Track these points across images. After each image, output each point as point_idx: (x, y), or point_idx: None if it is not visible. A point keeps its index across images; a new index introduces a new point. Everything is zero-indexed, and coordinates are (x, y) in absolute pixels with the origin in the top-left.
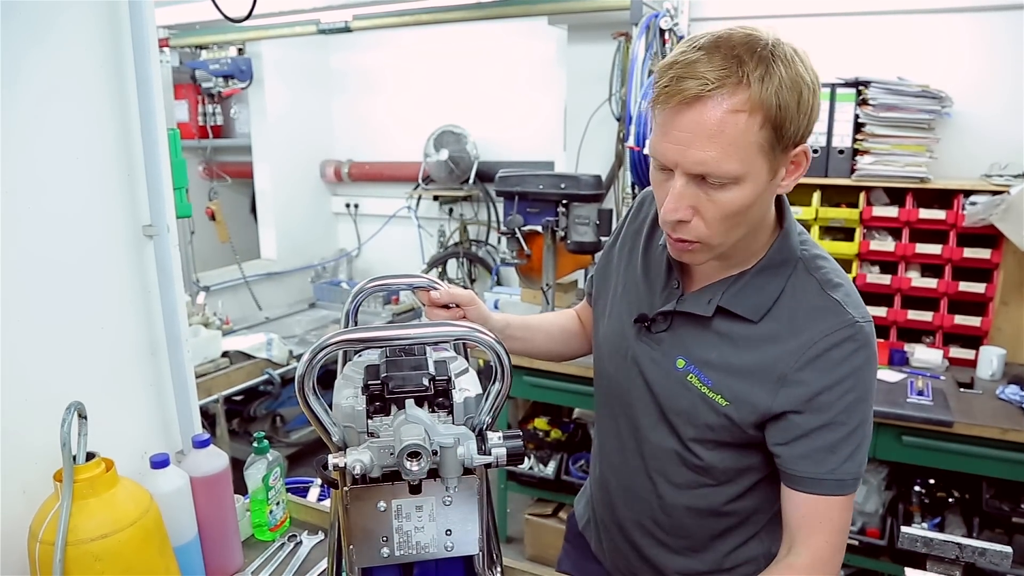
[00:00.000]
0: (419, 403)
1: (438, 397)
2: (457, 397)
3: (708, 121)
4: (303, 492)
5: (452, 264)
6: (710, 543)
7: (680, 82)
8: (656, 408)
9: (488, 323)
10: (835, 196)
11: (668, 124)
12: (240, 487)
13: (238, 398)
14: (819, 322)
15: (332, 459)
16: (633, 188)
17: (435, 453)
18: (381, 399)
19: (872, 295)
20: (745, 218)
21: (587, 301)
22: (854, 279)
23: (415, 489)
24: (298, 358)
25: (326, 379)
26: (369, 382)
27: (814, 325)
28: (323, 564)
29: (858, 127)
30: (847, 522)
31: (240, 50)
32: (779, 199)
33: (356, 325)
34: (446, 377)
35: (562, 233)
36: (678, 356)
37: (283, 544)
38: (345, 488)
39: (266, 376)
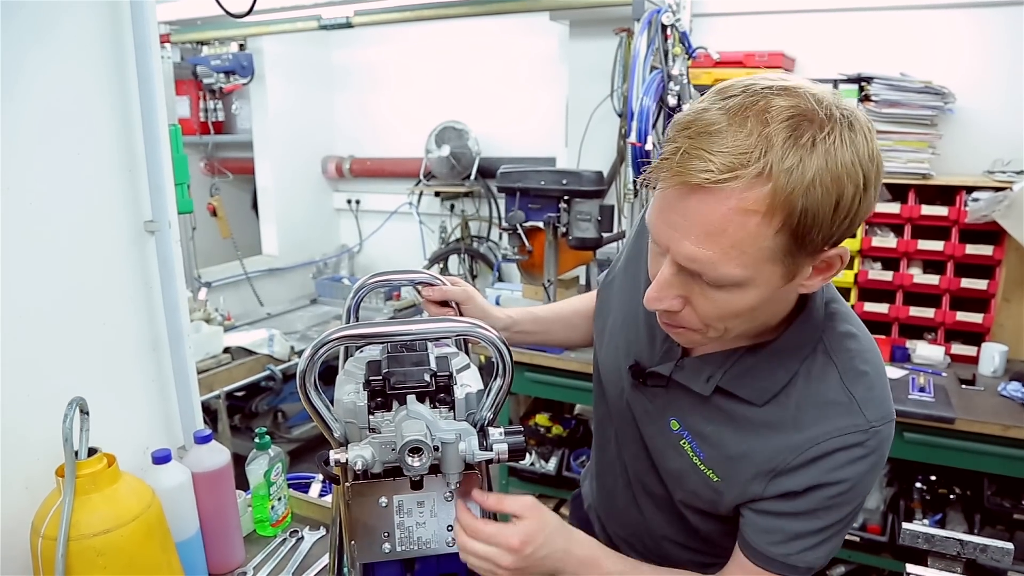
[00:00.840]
0: (420, 399)
1: (439, 393)
2: (459, 393)
3: (710, 215)
4: (305, 488)
5: (454, 260)
6: (694, 569)
7: (686, 160)
8: (647, 459)
9: (489, 318)
10: None
11: (664, 201)
12: (242, 483)
13: (240, 394)
14: (830, 420)
15: (334, 455)
16: (635, 184)
17: (436, 449)
18: (383, 395)
19: (874, 291)
20: (751, 318)
21: None
22: (856, 275)
23: (416, 485)
24: (299, 354)
25: (328, 375)
26: (371, 378)
27: (824, 422)
28: (325, 560)
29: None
30: None
31: (241, 46)
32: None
33: (358, 321)
34: (447, 373)
35: (564, 229)
36: (672, 417)
37: (284, 540)
38: (347, 484)
39: (268, 372)
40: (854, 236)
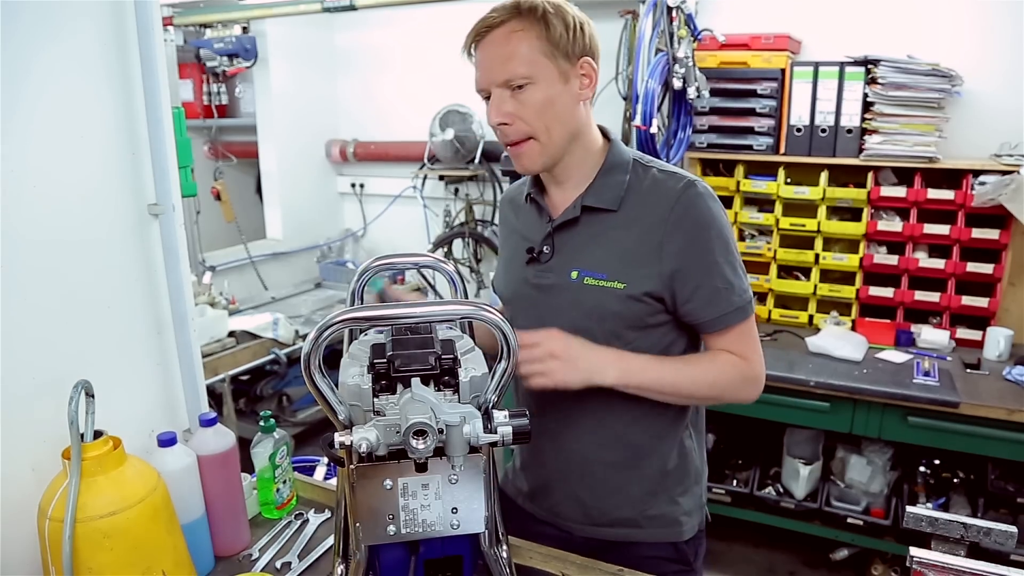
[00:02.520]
0: (425, 382)
1: (444, 376)
2: (463, 376)
3: (499, 41)
4: (310, 471)
5: (458, 244)
6: (651, 443)
7: (479, 24)
8: (568, 325)
9: None
10: (843, 176)
11: (478, 59)
12: (247, 466)
13: (244, 378)
14: (666, 190)
15: (338, 437)
16: None
17: (441, 431)
18: (387, 377)
19: (879, 275)
20: (555, 113)
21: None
22: (861, 259)
23: (421, 467)
24: (304, 338)
25: (332, 359)
26: (375, 360)
27: (663, 194)
28: (329, 541)
29: (867, 106)
30: (757, 336)
31: (244, 29)
32: (603, 131)
33: (362, 304)
34: (452, 356)
35: None
36: (570, 270)
37: (290, 522)
38: (351, 466)
39: (272, 356)
40: (593, 57)
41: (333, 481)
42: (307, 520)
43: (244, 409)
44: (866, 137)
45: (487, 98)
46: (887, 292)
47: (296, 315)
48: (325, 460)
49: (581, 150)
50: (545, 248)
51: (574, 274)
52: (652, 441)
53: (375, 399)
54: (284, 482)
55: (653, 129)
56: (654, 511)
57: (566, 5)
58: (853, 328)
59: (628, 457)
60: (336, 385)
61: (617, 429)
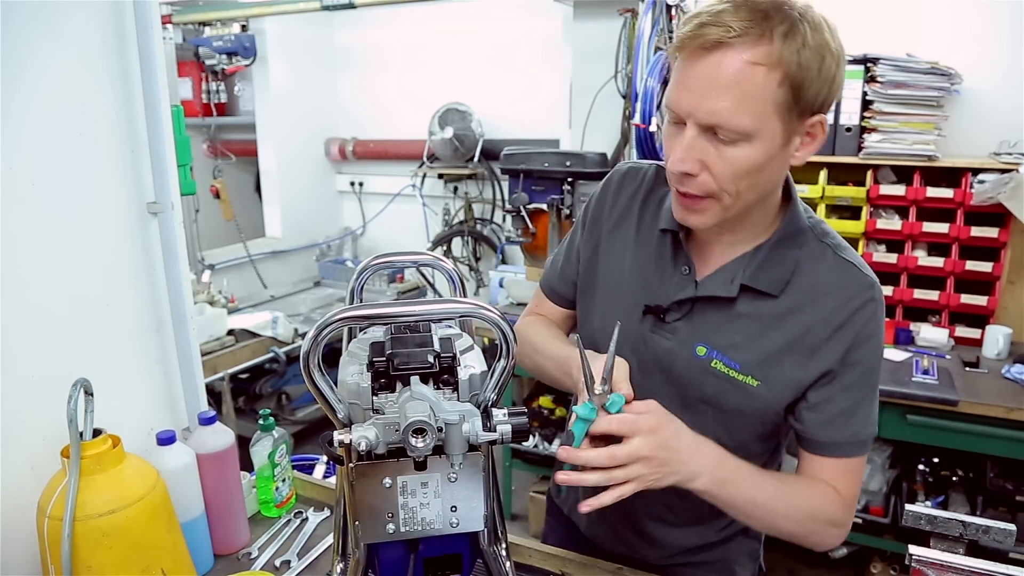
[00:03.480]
0: (424, 380)
1: (443, 374)
2: (462, 374)
3: (726, 70)
4: (309, 469)
5: (457, 243)
6: (717, 513)
7: (703, 28)
8: (678, 398)
9: None
10: (842, 174)
11: (686, 72)
12: (246, 464)
13: (244, 376)
14: (843, 288)
15: (337, 435)
16: None
17: (440, 430)
18: (386, 376)
19: (878, 274)
20: (756, 181)
21: (550, 299)
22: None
23: (420, 466)
24: (303, 336)
25: (331, 357)
26: (374, 359)
27: (838, 291)
28: (329, 540)
29: (866, 104)
30: (863, 473)
31: (243, 27)
32: (786, 185)
33: (361, 303)
34: (451, 354)
35: (567, 211)
36: (697, 344)
37: (289, 520)
38: (350, 464)
39: (272, 354)
40: (829, 109)
41: (332, 479)
42: (306, 518)
43: (243, 407)
44: (865, 135)
45: (675, 122)
46: (886, 290)
47: (295, 313)
48: (324, 458)
49: (760, 211)
50: (676, 311)
51: (701, 350)
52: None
53: (374, 397)
54: (283, 480)
55: (652, 127)
56: (707, 557)
57: (828, 33)
58: None
59: (691, 518)
60: (335, 383)
61: (691, 498)
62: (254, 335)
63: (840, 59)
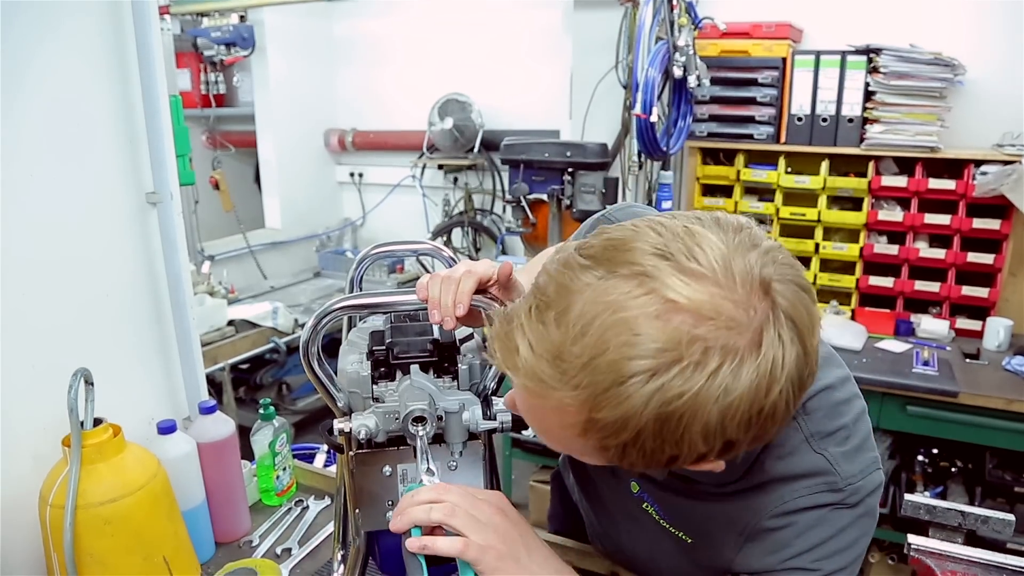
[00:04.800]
0: (424, 368)
1: (443, 363)
2: (462, 363)
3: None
4: (309, 458)
5: (457, 233)
6: None
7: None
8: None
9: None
10: (843, 165)
11: None
12: (247, 453)
13: (244, 366)
14: (798, 481)
15: (338, 424)
16: (639, 156)
17: (440, 418)
18: (386, 364)
19: (879, 265)
20: None
21: None
22: (861, 249)
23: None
24: (303, 326)
25: (331, 347)
26: (374, 348)
27: (792, 483)
28: (329, 528)
29: (868, 95)
30: None
31: (242, 17)
32: None
33: (361, 292)
34: (451, 342)
35: (568, 201)
36: (632, 479)
37: (290, 509)
38: (351, 453)
39: (272, 344)
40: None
41: (333, 468)
42: (307, 507)
43: (244, 397)
44: (867, 126)
45: None
46: (887, 282)
47: (295, 304)
48: (325, 447)
49: None
50: None
51: (635, 487)
52: None
53: (374, 386)
54: (284, 469)
55: (653, 118)
56: None
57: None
58: (853, 317)
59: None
60: (335, 373)
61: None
62: (254, 325)
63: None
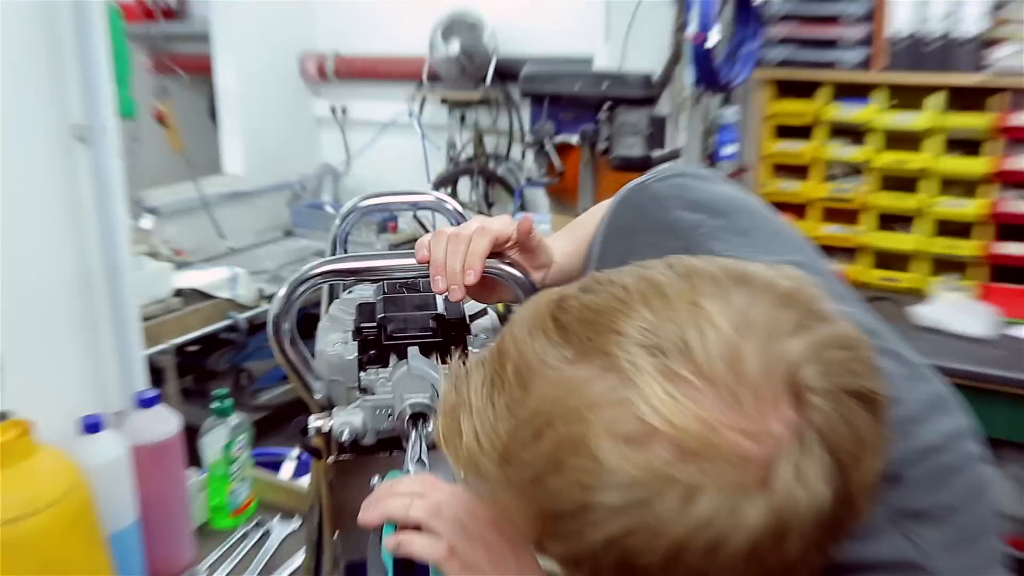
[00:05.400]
0: (425, 352)
1: (449, 344)
2: (473, 345)
3: None
4: (275, 467)
5: (464, 184)
6: None
7: None
8: None
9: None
10: (961, 99)
11: None
12: (195, 460)
13: (193, 348)
14: (874, 572)
15: (314, 422)
16: (694, 89)
17: None
18: (377, 346)
19: (1013, 228)
20: None
21: None
22: (988, 207)
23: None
24: (270, 299)
25: (307, 325)
26: (362, 325)
27: (865, 573)
28: (298, 558)
29: (998, 5)
30: None
31: None
32: None
33: (346, 254)
34: (460, 318)
35: (604, 145)
36: None
37: (247, 533)
38: (330, 459)
39: (229, 320)
40: None
41: (305, 480)
42: (269, 531)
43: (192, 388)
44: (991, 48)
45: None
46: (1020, 248)
47: (260, 270)
48: (296, 452)
49: None
50: None
51: None
52: None
53: (361, 373)
54: (241, 481)
55: (712, 41)
56: None
57: None
58: (978, 296)
59: None
60: (312, 356)
61: None
62: (207, 297)
63: None
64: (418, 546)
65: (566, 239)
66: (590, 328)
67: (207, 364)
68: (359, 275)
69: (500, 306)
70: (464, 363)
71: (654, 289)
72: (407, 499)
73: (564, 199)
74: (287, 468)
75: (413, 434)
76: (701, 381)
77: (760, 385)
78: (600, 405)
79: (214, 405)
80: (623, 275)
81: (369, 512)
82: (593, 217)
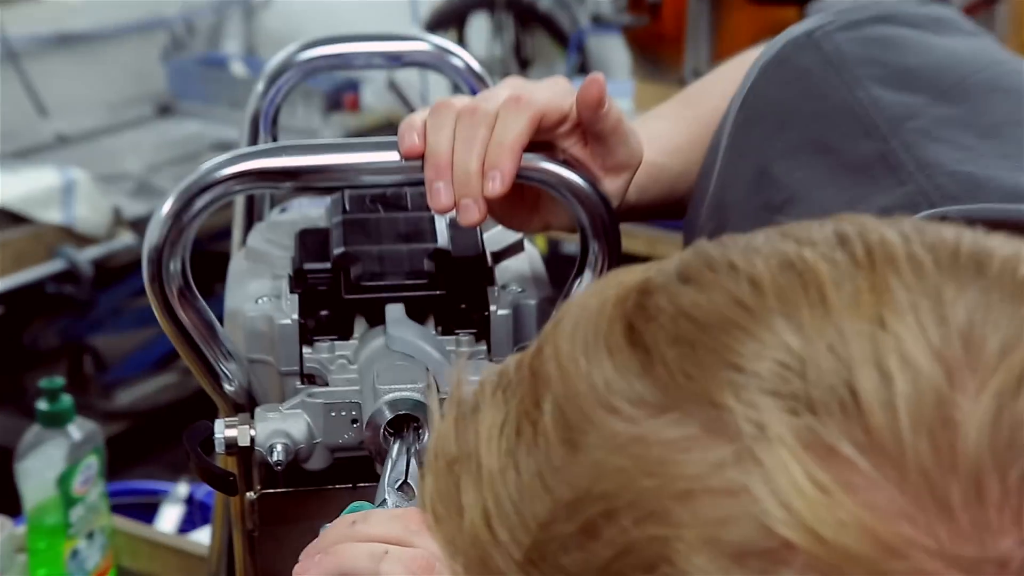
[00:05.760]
0: (415, 313)
1: (458, 302)
2: (498, 304)
3: None
4: (146, 512)
5: (479, 26)
6: None
7: None
8: None
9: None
10: None
11: None
12: (7, 499)
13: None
14: None
15: (224, 430)
16: None
17: None
18: (333, 303)
19: None
20: None
21: None
22: None
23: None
24: (135, 225)
25: (207, 268)
26: (306, 265)
27: None
28: None
29: None
30: None
31: None
32: None
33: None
34: (475, 254)
35: None
36: None
37: None
38: (251, 495)
39: (62, 263)
40: None
41: (202, 533)
42: None
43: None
44: None
45: None
46: None
47: (116, 173)
48: (184, 488)
49: None
50: None
51: None
52: None
53: (305, 349)
54: (90, 535)
55: None
56: None
57: None
58: None
59: None
60: (220, 322)
61: None
62: (19, 220)
63: None
64: None
65: (669, 122)
66: (689, 354)
67: (25, 338)
68: (301, 180)
69: (542, 242)
70: (472, 360)
71: (805, 286)
72: (376, 548)
73: (660, 54)
74: (169, 515)
75: (394, 450)
76: (877, 465)
77: (986, 476)
78: (697, 494)
79: (40, 408)
80: (755, 253)
81: (312, 568)
82: (717, 88)
